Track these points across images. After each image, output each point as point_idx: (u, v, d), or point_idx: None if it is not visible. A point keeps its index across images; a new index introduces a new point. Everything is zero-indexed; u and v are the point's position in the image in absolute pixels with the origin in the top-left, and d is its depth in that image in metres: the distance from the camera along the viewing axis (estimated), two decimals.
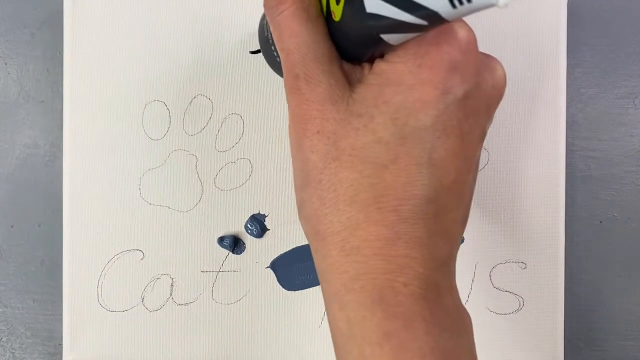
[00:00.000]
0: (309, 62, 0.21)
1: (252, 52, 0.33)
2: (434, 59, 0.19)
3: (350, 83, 0.21)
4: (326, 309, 0.23)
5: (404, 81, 0.20)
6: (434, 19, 0.18)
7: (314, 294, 0.34)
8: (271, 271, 0.34)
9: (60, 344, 0.34)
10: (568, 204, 0.34)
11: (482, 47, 0.33)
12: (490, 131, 0.33)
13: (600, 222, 0.36)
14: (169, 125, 0.34)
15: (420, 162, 0.20)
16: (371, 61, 0.22)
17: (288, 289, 0.34)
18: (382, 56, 0.21)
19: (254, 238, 0.34)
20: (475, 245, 0.34)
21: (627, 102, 0.36)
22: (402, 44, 0.20)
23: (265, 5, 0.22)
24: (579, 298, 0.35)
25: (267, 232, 0.34)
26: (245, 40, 0.34)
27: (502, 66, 0.22)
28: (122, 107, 0.34)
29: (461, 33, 0.20)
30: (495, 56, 0.23)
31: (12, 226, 0.35)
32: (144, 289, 0.34)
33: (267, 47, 0.27)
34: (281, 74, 0.26)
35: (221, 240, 0.34)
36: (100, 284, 0.34)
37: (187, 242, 0.34)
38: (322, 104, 0.21)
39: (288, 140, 0.33)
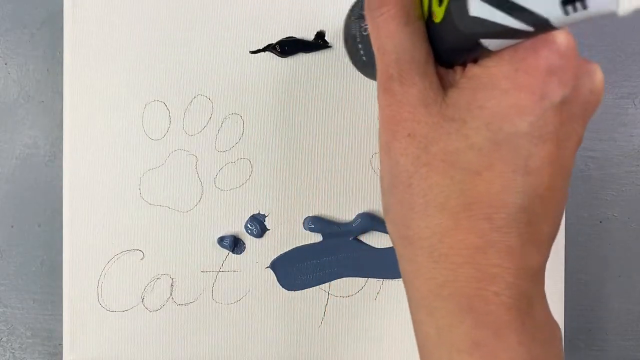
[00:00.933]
0: (405, 63, 0.21)
1: (252, 52, 0.33)
2: (531, 63, 0.19)
3: (444, 87, 0.21)
4: (412, 314, 0.23)
5: (498, 86, 0.19)
6: (541, 25, 0.17)
7: (314, 294, 0.34)
8: (271, 271, 0.34)
9: (60, 344, 0.34)
10: (568, 204, 0.34)
11: None
12: None
13: (600, 222, 0.36)
14: (168, 125, 0.34)
15: (515, 169, 0.20)
16: (464, 65, 0.21)
17: (288, 289, 0.34)
18: (475, 61, 0.21)
19: (254, 238, 0.34)
20: None
21: (627, 102, 0.36)
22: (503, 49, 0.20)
23: (366, 8, 0.22)
24: (579, 298, 0.35)
25: (267, 232, 0.34)
26: (245, 40, 0.34)
27: (600, 71, 0.21)
28: (122, 107, 0.34)
29: (560, 37, 0.19)
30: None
31: (12, 226, 0.35)
32: (144, 289, 0.34)
33: (354, 47, 0.27)
34: (365, 74, 0.28)
35: (221, 240, 0.34)
36: (100, 284, 0.34)
37: (187, 242, 0.34)
38: (415, 107, 0.20)
39: (288, 139, 0.34)
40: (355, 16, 0.26)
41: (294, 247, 0.34)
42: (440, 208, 0.20)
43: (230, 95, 0.34)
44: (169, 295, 0.34)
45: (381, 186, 0.23)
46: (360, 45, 0.26)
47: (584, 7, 0.16)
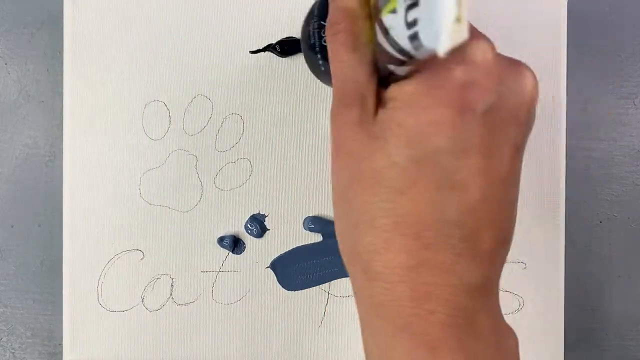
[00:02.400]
0: (349, 87, 0.21)
1: (252, 52, 0.33)
2: (443, 78, 0.19)
3: (381, 106, 0.21)
4: (361, 329, 0.23)
5: (415, 103, 0.19)
6: (408, 55, 0.18)
7: (314, 294, 0.34)
8: (271, 271, 0.34)
9: (60, 344, 0.34)
10: (568, 204, 0.34)
11: None
12: None
13: (600, 222, 0.36)
14: (168, 125, 0.34)
15: (440, 185, 0.19)
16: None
17: (288, 289, 0.34)
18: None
19: (254, 238, 0.34)
20: None
21: (627, 102, 0.36)
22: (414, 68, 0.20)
23: (327, 28, 0.22)
24: (578, 298, 0.35)
25: (267, 232, 0.34)
26: (245, 40, 0.34)
27: (530, 71, 0.21)
28: (122, 107, 0.34)
29: (471, 49, 0.19)
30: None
31: (12, 226, 0.35)
32: (144, 289, 0.34)
33: (311, 54, 0.28)
34: (325, 82, 0.29)
35: (221, 240, 0.34)
36: (100, 284, 0.34)
37: (187, 242, 0.34)
38: (353, 126, 0.21)
39: (288, 139, 0.34)
40: (314, 26, 0.28)
41: (294, 247, 0.34)
42: (369, 225, 0.21)
43: (230, 95, 0.34)
44: (169, 295, 0.34)
45: (332, 201, 0.23)
46: (319, 55, 0.27)
47: (420, 45, 0.17)
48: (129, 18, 0.34)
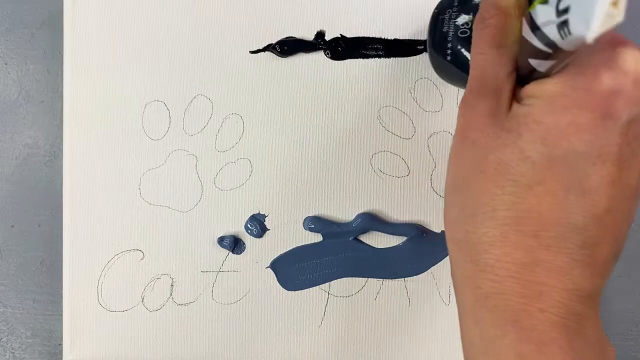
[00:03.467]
0: (487, 80, 0.21)
1: (252, 52, 0.33)
2: (590, 80, 0.19)
3: (515, 101, 0.21)
4: (459, 319, 0.23)
5: (556, 102, 0.19)
6: (554, 46, 0.18)
7: (314, 294, 0.34)
8: (271, 271, 0.34)
9: (60, 344, 0.34)
10: None
11: None
12: None
13: None
14: (168, 125, 0.34)
15: (569, 188, 0.19)
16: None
17: (288, 289, 0.34)
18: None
19: (254, 238, 0.34)
20: None
21: None
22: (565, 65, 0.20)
23: (476, 20, 0.22)
24: None
25: (267, 232, 0.34)
26: (245, 40, 0.34)
27: None
28: (122, 107, 0.34)
29: (623, 55, 0.19)
30: None
31: (12, 226, 0.35)
32: (144, 289, 0.34)
33: (441, 44, 0.29)
34: (441, 71, 0.30)
35: (221, 240, 0.34)
36: (100, 284, 0.34)
37: (187, 242, 0.34)
38: (482, 117, 0.21)
39: (288, 139, 0.34)
40: (452, 16, 0.28)
41: (294, 247, 0.34)
42: (488, 216, 0.20)
43: (230, 95, 0.34)
44: (169, 295, 0.34)
45: (445, 188, 0.23)
46: (449, 45, 0.28)
47: (569, 32, 0.16)
48: (129, 18, 0.34)
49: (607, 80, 0.18)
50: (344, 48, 0.33)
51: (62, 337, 0.34)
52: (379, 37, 0.34)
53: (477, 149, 0.21)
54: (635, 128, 0.19)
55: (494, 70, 0.21)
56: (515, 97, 0.21)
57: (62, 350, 0.34)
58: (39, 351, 0.35)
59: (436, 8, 0.29)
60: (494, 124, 0.21)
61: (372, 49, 0.34)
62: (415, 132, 0.34)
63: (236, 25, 0.34)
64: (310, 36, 0.33)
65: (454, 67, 0.28)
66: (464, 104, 0.22)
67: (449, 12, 0.28)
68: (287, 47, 0.33)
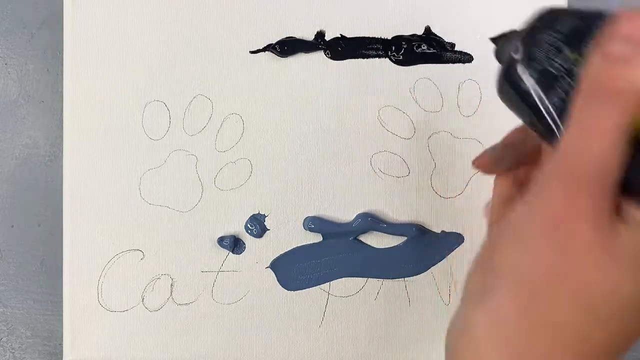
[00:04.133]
0: (598, 174, 0.17)
1: (252, 52, 0.33)
2: None
3: (615, 219, 0.18)
4: None
5: None
6: None
7: (314, 294, 0.34)
8: (271, 271, 0.34)
9: (61, 344, 0.34)
10: None
11: (481, 50, 0.33)
12: (491, 132, 0.33)
13: None
14: (168, 125, 0.34)
15: None
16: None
17: (288, 289, 0.34)
18: None
19: (254, 238, 0.34)
20: (476, 246, 0.34)
21: None
22: None
23: (585, 90, 0.17)
24: None
25: (267, 232, 0.34)
26: (245, 40, 0.34)
27: None
28: (122, 107, 0.34)
29: None
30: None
31: (12, 226, 0.35)
32: (144, 289, 0.34)
33: (522, 103, 0.19)
34: (518, 114, 0.20)
35: (221, 240, 0.34)
36: (100, 284, 0.34)
37: (187, 242, 0.34)
38: (583, 223, 0.17)
39: (288, 139, 0.34)
40: (558, 45, 0.18)
41: (294, 247, 0.34)
42: (565, 348, 0.18)
43: (230, 95, 0.34)
44: (169, 295, 0.34)
45: (495, 269, 0.19)
46: (540, 105, 0.18)
47: None
48: (129, 18, 0.33)
49: None
50: (344, 48, 0.33)
51: (62, 337, 0.34)
52: (379, 37, 0.34)
53: (565, 256, 0.17)
54: None
55: (608, 169, 0.17)
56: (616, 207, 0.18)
57: (62, 350, 0.34)
58: (39, 351, 0.35)
59: (535, 20, 0.19)
60: (597, 239, 0.17)
61: (372, 49, 0.33)
62: (415, 132, 0.34)
63: (236, 26, 0.34)
64: (310, 36, 0.33)
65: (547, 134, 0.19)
66: (560, 183, 0.17)
67: (552, 36, 0.18)
68: (287, 47, 0.33)
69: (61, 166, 0.34)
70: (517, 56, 0.19)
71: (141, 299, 0.34)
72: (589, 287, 0.17)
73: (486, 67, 0.33)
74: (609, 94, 0.16)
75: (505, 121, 0.34)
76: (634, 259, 0.17)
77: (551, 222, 0.18)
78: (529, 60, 0.18)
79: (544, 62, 0.18)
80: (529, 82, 0.18)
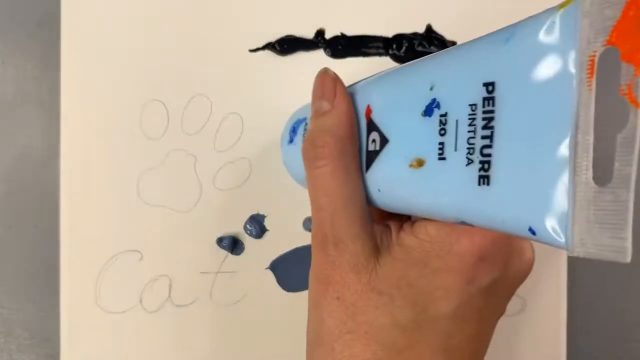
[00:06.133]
0: (340, 224, 0.20)
1: (252, 51, 0.33)
2: (463, 245, 0.19)
3: (379, 250, 0.21)
4: None
5: (430, 264, 0.19)
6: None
7: None
8: (270, 272, 0.34)
9: (58, 346, 0.34)
10: None
11: None
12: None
13: None
14: (167, 125, 0.33)
15: (435, 349, 0.19)
16: (400, 220, 0.21)
17: (287, 290, 0.34)
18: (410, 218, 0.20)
19: (253, 239, 0.34)
20: None
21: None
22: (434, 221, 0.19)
23: (303, 154, 0.21)
24: (581, 299, 0.35)
25: (267, 232, 0.34)
26: (245, 39, 0.33)
27: (531, 247, 0.21)
28: (120, 106, 0.33)
29: None
30: None
31: (9, 227, 0.35)
32: (142, 290, 0.33)
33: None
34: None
35: (220, 240, 0.33)
36: (98, 285, 0.33)
37: (185, 242, 0.33)
38: (346, 271, 0.20)
39: None
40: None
41: (294, 247, 0.34)
42: None
43: (229, 94, 0.33)
44: (168, 296, 0.33)
45: (307, 338, 0.22)
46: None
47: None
48: (126, 17, 0.33)
49: (477, 248, 0.19)
50: (344, 46, 0.33)
51: (59, 338, 0.33)
52: (380, 35, 0.33)
53: (342, 306, 0.20)
54: (494, 289, 0.20)
55: (345, 213, 0.20)
56: (378, 239, 0.20)
57: (59, 352, 0.33)
58: (36, 353, 0.35)
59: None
60: (361, 282, 0.20)
61: (373, 47, 0.33)
62: None
63: (235, 24, 0.33)
64: (310, 34, 0.33)
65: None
66: (320, 252, 0.20)
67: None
68: (287, 45, 0.33)
69: (58, 166, 0.34)
70: None
71: (139, 300, 0.33)
72: (375, 328, 0.19)
73: None
74: (315, 145, 0.20)
75: None
76: (397, 287, 0.19)
77: (323, 281, 0.20)
78: None
79: None
80: None
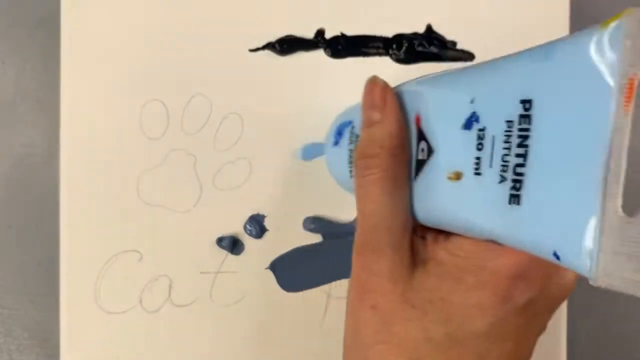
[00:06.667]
0: (381, 231, 0.20)
1: (252, 50, 0.33)
2: (499, 264, 0.19)
3: (415, 262, 0.20)
4: None
5: (463, 280, 0.19)
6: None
7: (314, 295, 0.34)
8: (270, 272, 0.34)
9: (58, 346, 0.34)
10: None
11: (483, 49, 0.33)
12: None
13: None
14: (167, 125, 0.33)
15: None
16: (437, 234, 0.21)
17: (288, 290, 0.34)
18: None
19: (253, 239, 0.33)
20: None
21: None
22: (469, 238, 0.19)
23: (354, 163, 0.21)
24: (580, 299, 0.35)
25: (267, 232, 0.33)
26: (244, 39, 0.33)
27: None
28: (119, 106, 0.33)
29: None
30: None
31: (9, 226, 0.35)
32: (142, 290, 0.33)
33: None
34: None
35: (220, 240, 0.33)
36: (98, 285, 0.33)
37: (185, 242, 0.33)
38: (382, 280, 0.20)
39: (287, 138, 0.33)
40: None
41: (294, 247, 0.34)
42: None
43: (229, 94, 0.33)
44: (167, 296, 0.33)
45: (344, 343, 0.22)
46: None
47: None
48: (127, 17, 0.33)
49: (511, 265, 0.18)
50: (344, 46, 0.33)
51: (59, 338, 0.33)
52: (380, 35, 0.33)
53: (377, 316, 0.20)
54: (533, 308, 0.20)
55: (388, 221, 0.20)
56: (415, 253, 0.20)
57: (59, 352, 0.33)
58: (36, 353, 0.35)
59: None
60: (396, 292, 0.20)
61: (373, 47, 0.33)
62: None
63: (235, 24, 0.33)
64: (310, 34, 0.33)
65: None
66: (361, 257, 0.21)
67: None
68: (287, 45, 0.33)
69: (58, 166, 0.34)
70: None
71: (139, 300, 0.33)
72: (407, 340, 0.19)
73: None
74: (365, 155, 0.20)
75: None
76: (429, 302, 0.19)
77: (360, 288, 0.21)
78: None
79: None
80: None
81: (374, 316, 0.20)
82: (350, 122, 0.26)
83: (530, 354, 0.21)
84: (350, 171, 0.26)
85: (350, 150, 0.25)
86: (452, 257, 0.20)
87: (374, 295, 0.20)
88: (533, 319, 0.20)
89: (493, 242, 0.18)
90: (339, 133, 0.27)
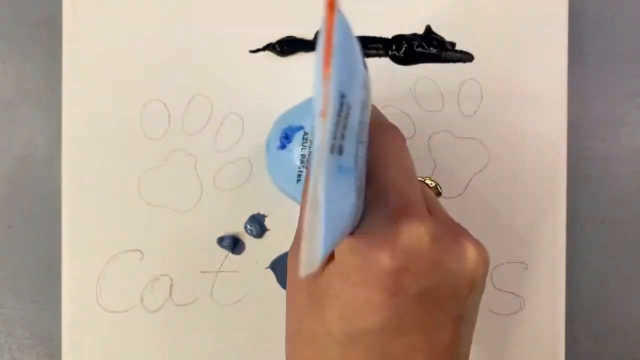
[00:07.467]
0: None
1: (252, 51, 0.33)
2: (376, 259, 0.18)
3: (331, 257, 0.20)
4: None
5: (350, 277, 0.19)
6: None
7: None
8: (271, 271, 0.34)
9: (59, 345, 0.34)
10: (569, 204, 0.34)
11: (482, 49, 0.33)
12: (492, 132, 0.33)
13: (602, 222, 0.36)
14: (168, 125, 0.33)
15: None
16: None
17: None
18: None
19: (253, 238, 0.34)
20: None
21: (628, 102, 0.36)
22: (357, 235, 0.19)
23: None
24: (580, 298, 0.35)
25: (267, 232, 0.34)
26: (245, 40, 0.33)
27: (474, 246, 0.20)
28: (120, 106, 0.33)
29: (407, 233, 0.19)
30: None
31: (10, 226, 0.35)
32: (143, 290, 0.33)
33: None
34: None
35: (220, 240, 0.33)
36: (99, 285, 0.33)
37: (186, 242, 0.33)
38: (297, 274, 0.20)
39: None
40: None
41: None
42: None
43: (229, 94, 0.33)
44: (168, 295, 0.33)
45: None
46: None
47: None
48: (128, 17, 0.33)
49: (386, 261, 0.18)
50: None
51: (60, 338, 0.33)
52: (379, 36, 0.33)
53: (295, 309, 0.21)
54: (430, 295, 0.19)
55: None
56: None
57: (61, 352, 0.34)
58: (37, 352, 0.35)
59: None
60: (308, 287, 0.20)
61: (372, 48, 0.33)
62: (415, 131, 0.34)
63: (235, 24, 0.33)
64: (310, 35, 0.33)
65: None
66: (292, 254, 0.21)
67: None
68: (287, 46, 0.33)
69: (59, 166, 0.34)
70: None
71: (140, 300, 0.33)
72: (314, 336, 0.20)
73: (487, 67, 0.33)
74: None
75: (506, 121, 0.34)
76: (326, 297, 0.19)
77: (289, 282, 0.22)
78: None
79: None
80: None
81: (291, 310, 0.21)
82: (301, 127, 0.27)
83: (449, 339, 0.20)
84: (299, 175, 0.27)
85: (303, 155, 0.26)
86: (341, 254, 0.19)
87: (292, 290, 0.21)
88: (436, 307, 0.19)
89: (376, 237, 0.18)
90: (286, 137, 0.27)
